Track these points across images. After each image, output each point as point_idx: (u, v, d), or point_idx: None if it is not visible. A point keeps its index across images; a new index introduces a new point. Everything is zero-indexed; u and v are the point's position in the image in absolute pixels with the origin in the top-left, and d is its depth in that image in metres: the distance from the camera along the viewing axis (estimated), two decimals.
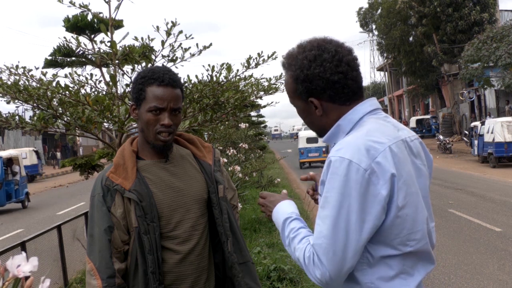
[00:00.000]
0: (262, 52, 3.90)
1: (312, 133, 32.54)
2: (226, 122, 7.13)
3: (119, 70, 3.64)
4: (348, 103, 1.54)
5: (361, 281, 1.47)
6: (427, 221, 1.53)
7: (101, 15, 3.85)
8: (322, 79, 1.50)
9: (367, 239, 1.42)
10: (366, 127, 1.49)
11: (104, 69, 4.04)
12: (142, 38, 3.52)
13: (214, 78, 3.80)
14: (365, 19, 43.27)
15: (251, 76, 4.13)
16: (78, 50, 4.09)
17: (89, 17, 4.03)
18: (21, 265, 1.14)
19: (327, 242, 1.40)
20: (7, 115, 3.51)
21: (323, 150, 25.63)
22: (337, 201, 1.39)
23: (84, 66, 4.42)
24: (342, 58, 1.51)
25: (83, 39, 4.03)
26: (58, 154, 39.74)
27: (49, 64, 4.40)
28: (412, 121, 41.56)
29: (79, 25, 4.06)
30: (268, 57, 3.94)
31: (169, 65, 3.56)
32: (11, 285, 1.15)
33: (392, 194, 1.41)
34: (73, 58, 4.35)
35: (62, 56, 4.32)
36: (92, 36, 4.17)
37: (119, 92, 3.64)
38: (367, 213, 1.39)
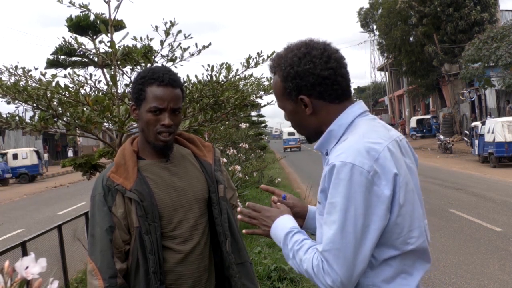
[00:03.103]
0: (261, 51, 3.90)
1: (292, 129, 42.63)
2: (227, 122, 7.13)
3: (119, 70, 3.64)
4: (337, 102, 1.55)
5: (363, 284, 1.47)
6: (423, 218, 1.54)
7: (103, 16, 3.85)
8: (312, 74, 1.52)
9: (376, 241, 1.42)
10: (361, 130, 1.50)
11: (105, 70, 4.04)
12: (141, 38, 3.52)
13: (214, 78, 3.80)
14: (365, 19, 43.22)
15: (251, 75, 4.13)
16: (80, 50, 4.08)
17: (92, 17, 4.02)
18: (30, 266, 1.13)
19: (337, 247, 1.39)
20: (7, 115, 3.51)
21: (298, 140, 43.38)
22: (343, 206, 1.39)
23: (86, 67, 4.41)
24: (330, 55, 1.53)
25: (83, 40, 4.03)
26: (46, 156, 37.47)
27: (51, 64, 4.38)
28: (413, 121, 41.57)
29: (82, 24, 4.04)
30: (268, 57, 3.93)
31: (169, 65, 3.55)
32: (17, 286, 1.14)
33: (394, 193, 1.42)
34: (75, 58, 4.34)
35: (64, 55, 4.30)
36: (94, 37, 4.17)
37: (119, 92, 3.64)
38: (373, 215, 1.39)
